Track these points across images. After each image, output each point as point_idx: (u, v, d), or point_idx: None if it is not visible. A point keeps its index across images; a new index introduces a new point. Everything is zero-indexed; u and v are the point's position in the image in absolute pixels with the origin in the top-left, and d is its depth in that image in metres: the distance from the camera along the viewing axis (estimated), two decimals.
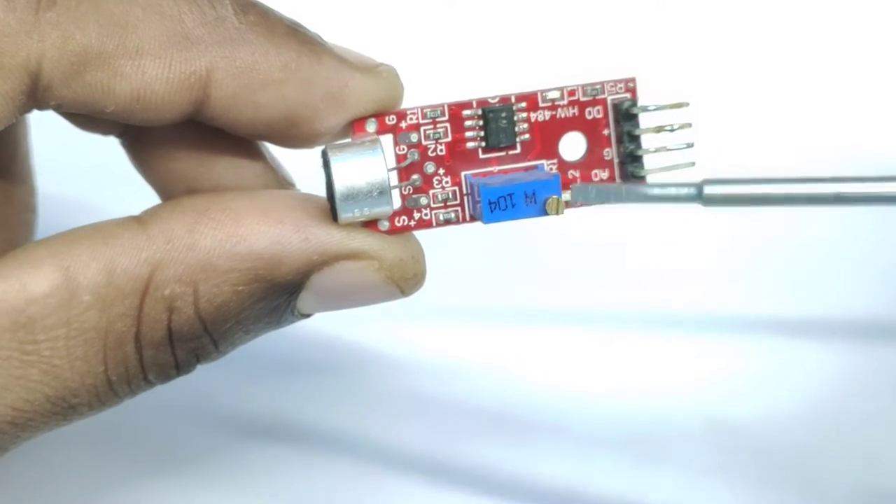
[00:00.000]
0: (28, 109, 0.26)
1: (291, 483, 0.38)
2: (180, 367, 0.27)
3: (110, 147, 0.30)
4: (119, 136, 0.30)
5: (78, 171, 0.41)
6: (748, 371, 0.41)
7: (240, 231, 0.26)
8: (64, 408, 0.26)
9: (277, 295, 0.27)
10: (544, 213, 0.27)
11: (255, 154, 0.29)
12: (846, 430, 0.39)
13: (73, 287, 0.25)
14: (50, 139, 0.32)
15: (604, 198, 0.26)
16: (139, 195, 0.30)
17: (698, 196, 0.25)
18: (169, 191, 0.30)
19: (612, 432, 0.39)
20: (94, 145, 0.31)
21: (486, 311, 0.42)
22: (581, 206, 0.28)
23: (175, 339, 0.26)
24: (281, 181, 0.30)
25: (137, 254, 0.26)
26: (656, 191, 0.26)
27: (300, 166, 0.30)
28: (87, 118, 0.29)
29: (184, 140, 0.29)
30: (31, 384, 0.25)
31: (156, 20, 0.25)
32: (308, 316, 0.28)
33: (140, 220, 0.27)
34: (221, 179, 0.29)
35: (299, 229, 0.26)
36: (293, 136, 0.27)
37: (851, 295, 0.42)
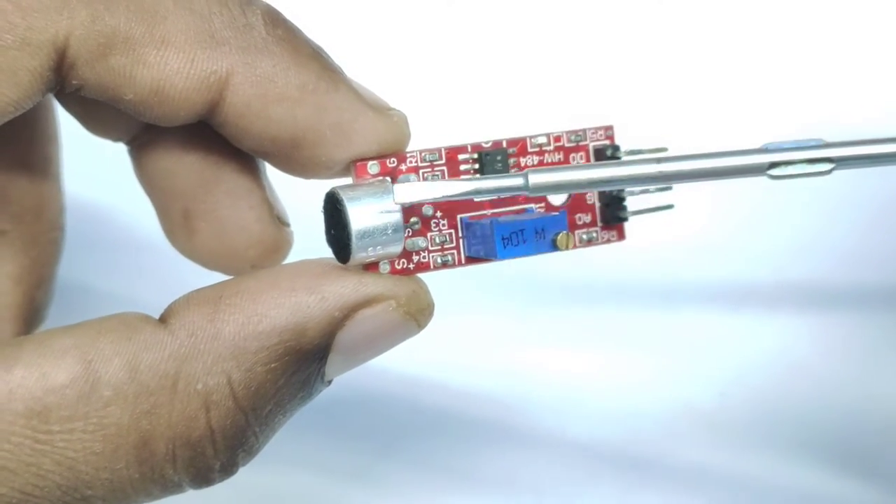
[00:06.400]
0: (53, 88, 0.25)
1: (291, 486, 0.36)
2: (224, 469, 0.26)
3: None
4: (128, 142, 0.30)
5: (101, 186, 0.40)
6: (739, 367, 0.43)
7: (259, 309, 0.26)
8: (76, 498, 0.25)
9: (308, 363, 0.26)
10: (554, 248, 0.28)
11: (255, 184, 0.29)
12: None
13: (93, 380, 0.24)
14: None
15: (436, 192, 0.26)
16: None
17: (525, 187, 0.26)
18: (166, 208, 0.29)
19: (610, 432, 0.40)
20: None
21: (483, 315, 0.42)
22: (588, 245, 0.29)
23: (217, 436, 0.25)
24: (275, 217, 0.30)
25: (161, 349, 0.25)
26: (483, 184, 0.26)
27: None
28: (100, 120, 0.29)
29: (188, 158, 0.29)
30: (42, 472, 0.24)
31: (185, 15, 0.25)
32: (330, 382, 0.27)
33: (161, 319, 0.26)
34: (218, 204, 0.29)
35: (313, 290, 0.26)
36: (293, 160, 0.27)
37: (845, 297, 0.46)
